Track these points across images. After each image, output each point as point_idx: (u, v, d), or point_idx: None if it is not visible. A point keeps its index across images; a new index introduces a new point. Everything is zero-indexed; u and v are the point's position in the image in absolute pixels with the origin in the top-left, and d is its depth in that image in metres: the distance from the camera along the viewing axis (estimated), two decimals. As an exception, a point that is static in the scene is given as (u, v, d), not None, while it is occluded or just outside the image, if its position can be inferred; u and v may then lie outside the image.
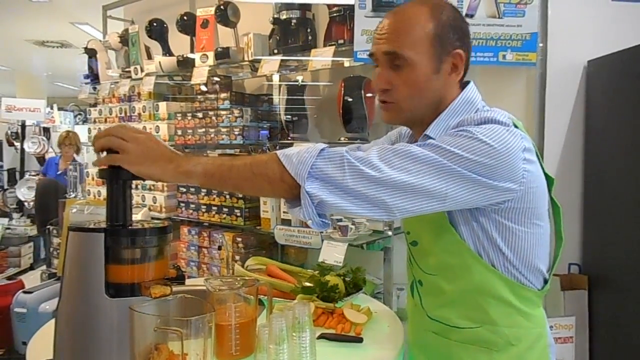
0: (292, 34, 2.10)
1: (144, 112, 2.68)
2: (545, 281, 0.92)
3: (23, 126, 5.82)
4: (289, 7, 2.08)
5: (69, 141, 4.43)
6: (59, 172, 4.28)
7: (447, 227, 0.87)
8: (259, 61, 2.15)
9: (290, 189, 0.80)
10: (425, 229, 0.92)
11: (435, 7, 0.87)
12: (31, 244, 4.56)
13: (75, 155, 4.46)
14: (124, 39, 2.83)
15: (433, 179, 0.77)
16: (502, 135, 0.79)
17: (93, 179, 3.00)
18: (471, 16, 1.73)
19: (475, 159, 0.77)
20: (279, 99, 2.25)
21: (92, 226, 0.87)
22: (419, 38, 0.85)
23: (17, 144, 5.86)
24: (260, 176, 0.81)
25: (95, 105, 3.06)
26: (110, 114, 2.89)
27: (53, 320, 0.88)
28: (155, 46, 2.72)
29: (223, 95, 2.30)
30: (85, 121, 5.46)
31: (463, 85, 0.93)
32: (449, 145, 0.78)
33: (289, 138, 2.19)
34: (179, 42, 2.63)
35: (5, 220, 4.90)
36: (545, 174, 0.89)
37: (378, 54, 0.89)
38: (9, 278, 3.22)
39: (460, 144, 0.78)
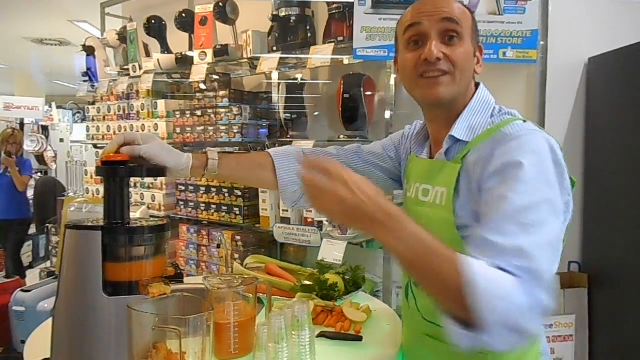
0: (291, 32, 2.09)
1: (142, 110, 2.67)
2: None
3: (21, 124, 5.81)
4: (288, 4, 2.07)
5: (14, 139, 4.40)
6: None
7: (451, 229, 0.85)
8: (258, 59, 2.14)
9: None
10: (429, 227, 0.89)
11: (464, 5, 0.92)
12: (30, 242, 4.56)
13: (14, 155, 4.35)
14: (123, 36, 2.82)
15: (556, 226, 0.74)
16: (554, 163, 0.79)
17: (92, 177, 3.00)
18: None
19: (549, 190, 0.75)
20: (278, 97, 2.25)
21: (89, 224, 0.86)
22: (467, 19, 0.89)
23: (16, 143, 5.85)
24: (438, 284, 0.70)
25: (93, 103, 3.06)
26: (109, 112, 2.88)
27: (51, 319, 0.87)
28: (154, 44, 2.71)
29: (222, 93, 2.29)
30: (84, 119, 5.43)
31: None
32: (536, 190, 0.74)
33: (288, 136, 2.19)
34: (177, 39, 2.62)
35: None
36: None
37: (431, 23, 0.87)
38: (8, 276, 3.22)
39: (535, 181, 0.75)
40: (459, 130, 0.89)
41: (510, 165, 0.77)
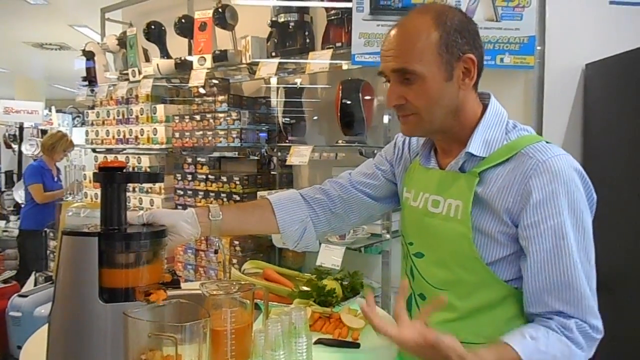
0: (290, 37, 2.10)
1: (141, 114, 2.67)
2: None
3: (21, 128, 5.81)
4: (287, 10, 2.07)
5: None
6: None
7: (468, 242, 0.85)
8: (256, 64, 2.14)
9: None
10: (442, 240, 0.90)
11: (438, 14, 0.85)
12: (28, 246, 4.54)
13: None
14: (122, 41, 2.83)
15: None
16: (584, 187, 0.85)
17: (90, 181, 3.00)
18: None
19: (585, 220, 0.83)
20: (277, 102, 2.25)
21: (86, 230, 0.86)
22: (425, 49, 0.83)
23: (15, 146, 5.85)
24: None
25: (93, 107, 3.06)
26: (108, 117, 2.89)
27: (47, 325, 0.87)
28: (153, 49, 2.72)
29: (221, 97, 2.29)
30: (83, 123, 5.44)
31: (483, 96, 0.93)
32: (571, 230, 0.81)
33: (287, 141, 2.19)
34: (176, 44, 2.63)
35: (2, 223, 4.89)
36: None
37: (387, 71, 0.88)
38: (5, 281, 3.20)
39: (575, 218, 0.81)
40: (476, 146, 0.87)
41: (551, 211, 0.81)
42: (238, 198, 2.20)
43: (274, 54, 2.11)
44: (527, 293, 0.83)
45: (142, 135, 2.64)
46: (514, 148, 0.85)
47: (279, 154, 2.24)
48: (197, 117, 2.34)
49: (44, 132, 6.21)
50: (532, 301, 0.83)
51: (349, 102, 1.94)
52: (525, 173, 0.82)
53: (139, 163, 2.69)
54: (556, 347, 0.77)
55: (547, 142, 0.86)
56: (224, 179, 2.29)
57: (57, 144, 3.96)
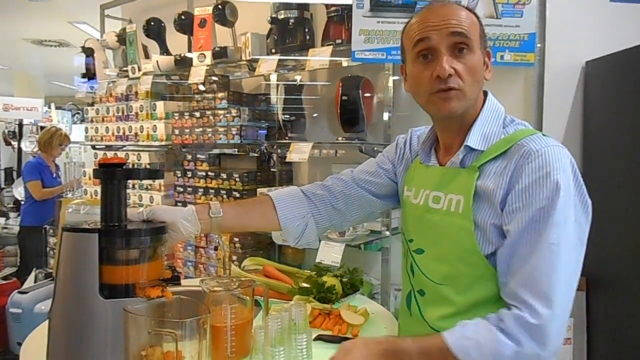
0: (289, 34, 2.09)
1: (141, 111, 2.67)
2: None
3: (20, 125, 5.80)
4: (286, 6, 2.07)
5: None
6: None
7: (469, 236, 0.86)
8: (256, 61, 2.14)
9: None
10: (443, 235, 0.91)
11: (470, 10, 0.92)
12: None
13: None
14: (122, 38, 2.82)
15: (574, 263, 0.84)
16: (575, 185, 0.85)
17: (90, 178, 2.99)
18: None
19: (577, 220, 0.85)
20: (277, 99, 2.25)
21: (86, 226, 0.86)
22: (475, 27, 0.89)
23: (15, 143, 5.85)
24: None
25: (92, 104, 3.05)
26: (108, 113, 2.88)
27: (47, 321, 0.87)
28: (153, 45, 2.71)
29: (220, 94, 2.29)
30: (82, 120, 5.44)
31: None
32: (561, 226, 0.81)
33: (287, 138, 2.19)
34: (176, 41, 2.62)
35: (2, 220, 4.89)
36: None
37: (440, 37, 0.87)
38: (5, 278, 3.21)
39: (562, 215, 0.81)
40: (474, 139, 0.90)
41: (540, 190, 0.81)
42: (238, 195, 2.20)
43: (273, 50, 2.11)
44: (499, 275, 0.84)
45: (141, 132, 2.64)
46: (511, 141, 0.87)
47: (279, 150, 2.24)
48: (197, 114, 2.34)
49: (43, 129, 6.21)
50: (500, 284, 0.84)
51: (349, 99, 1.94)
52: (517, 161, 0.84)
53: (139, 160, 2.69)
54: (482, 334, 0.77)
55: (543, 135, 0.88)
56: (224, 176, 2.29)
57: (52, 139, 3.95)
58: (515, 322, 0.77)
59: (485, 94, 0.95)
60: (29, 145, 5.59)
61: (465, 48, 0.87)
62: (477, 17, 0.91)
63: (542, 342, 0.76)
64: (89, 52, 3.07)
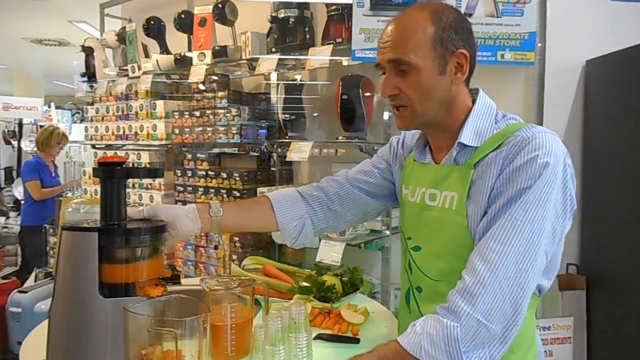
0: (290, 33, 2.09)
1: (141, 110, 2.66)
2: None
3: (20, 124, 5.80)
4: (287, 5, 2.07)
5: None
6: None
7: (464, 232, 0.86)
8: (256, 60, 2.14)
9: None
10: (438, 231, 0.91)
11: (435, 10, 0.89)
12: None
13: None
14: (122, 37, 2.81)
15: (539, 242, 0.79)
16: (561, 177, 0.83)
17: (90, 177, 2.99)
18: (470, 15, 1.73)
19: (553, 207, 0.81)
20: (277, 98, 2.25)
21: (86, 225, 0.86)
22: (420, 42, 0.87)
23: (14, 143, 5.85)
24: None
25: (92, 103, 3.05)
26: (108, 113, 2.88)
27: (47, 321, 0.87)
28: (153, 44, 2.71)
29: (220, 93, 2.29)
30: (82, 119, 5.45)
31: (472, 92, 0.95)
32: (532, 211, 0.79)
33: (287, 137, 2.18)
34: (176, 40, 2.62)
35: (2, 219, 4.89)
36: None
37: (383, 62, 0.91)
38: (5, 277, 3.21)
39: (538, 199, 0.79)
40: (467, 136, 0.90)
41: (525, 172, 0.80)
42: (238, 194, 2.20)
43: (273, 49, 2.11)
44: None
45: (141, 131, 2.64)
46: (504, 135, 0.87)
47: (279, 150, 2.24)
48: (197, 113, 2.34)
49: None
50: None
51: (349, 98, 1.93)
52: (510, 150, 0.84)
53: (139, 159, 2.69)
54: (430, 325, 0.77)
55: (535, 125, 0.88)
56: (224, 175, 2.29)
57: (50, 138, 3.94)
58: (456, 294, 0.77)
59: (477, 93, 0.95)
60: (28, 145, 5.59)
61: (407, 69, 0.87)
62: (441, 20, 0.87)
63: (471, 301, 0.75)
64: (88, 51, 3.07)
